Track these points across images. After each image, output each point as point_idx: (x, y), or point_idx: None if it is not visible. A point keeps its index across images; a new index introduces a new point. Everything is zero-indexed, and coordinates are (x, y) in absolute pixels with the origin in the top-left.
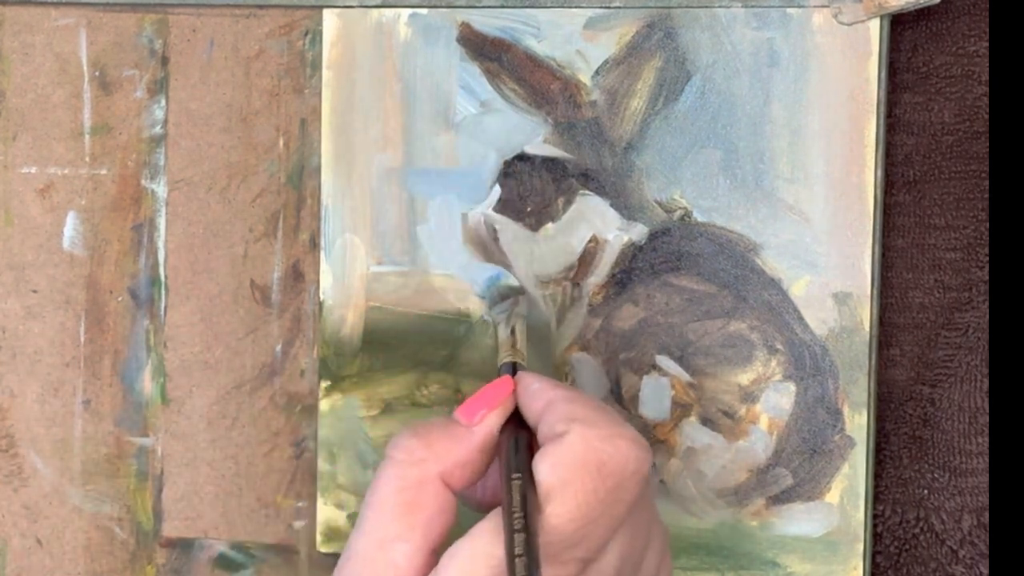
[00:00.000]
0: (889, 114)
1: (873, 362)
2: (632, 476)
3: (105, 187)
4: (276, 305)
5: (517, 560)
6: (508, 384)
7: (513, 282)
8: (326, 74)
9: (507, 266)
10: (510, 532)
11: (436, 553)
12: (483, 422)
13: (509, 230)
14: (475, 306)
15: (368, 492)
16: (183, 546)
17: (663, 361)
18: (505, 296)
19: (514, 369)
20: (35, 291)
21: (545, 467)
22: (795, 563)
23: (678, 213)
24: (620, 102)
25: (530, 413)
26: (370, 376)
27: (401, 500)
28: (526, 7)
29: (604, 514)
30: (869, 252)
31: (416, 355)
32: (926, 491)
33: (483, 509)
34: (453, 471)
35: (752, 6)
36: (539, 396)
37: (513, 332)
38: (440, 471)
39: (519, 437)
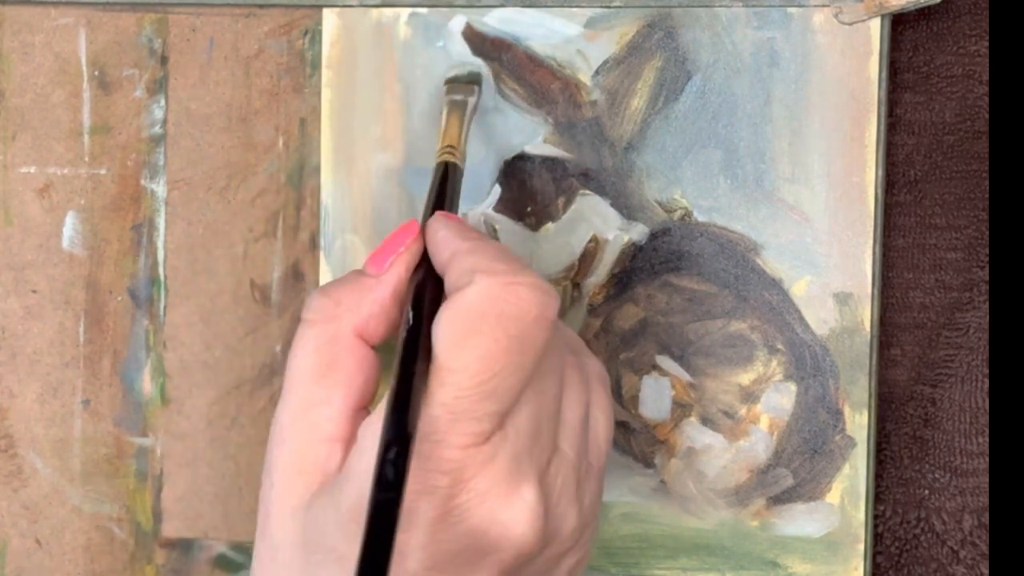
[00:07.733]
0: (890, 114)
1: (874, 362)
2: (535, 322)
3: (105, 187)
4: (276, 305)
5: (394, 413)
6: (413, 228)
7: (476, 68)
8: (326, 74)
9: None
10: (397, 385)
11: (364, 411)
12: (391, 270)
13: (509, 230)
14: None
15: (288, 360)
16: (183, 546)
17: (663, 361)
18: (467, 80)
19: (446, 170)
20: (35, 291)
21: (444, 321)
22: (796, 563)
23: (678, 213)
24: (620, 102)
25: (437, 263)
26: None
27: (317, 362)
28: (526, 7)
29: (510, 364)
30: (870, 252)
31: None
32: (927, 491)
33: None
34: (367, 324)
35: (753, 6)
36: (444, 247)
37: (455, 122)
38: (353, 326)
39: (423, 285)
